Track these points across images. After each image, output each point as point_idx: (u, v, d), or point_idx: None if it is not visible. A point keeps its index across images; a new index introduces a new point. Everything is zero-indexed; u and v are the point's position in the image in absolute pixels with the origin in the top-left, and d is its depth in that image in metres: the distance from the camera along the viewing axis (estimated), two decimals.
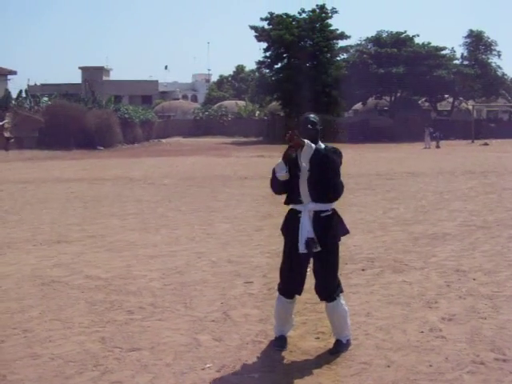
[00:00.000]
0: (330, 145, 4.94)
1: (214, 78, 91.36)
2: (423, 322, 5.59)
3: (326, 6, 52.38)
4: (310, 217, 4.77)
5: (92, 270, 7.59)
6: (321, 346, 5.01)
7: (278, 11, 53.44)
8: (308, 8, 53.17)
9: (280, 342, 5.02)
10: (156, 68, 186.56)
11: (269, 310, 5.94)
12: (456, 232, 10.04)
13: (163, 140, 51.42)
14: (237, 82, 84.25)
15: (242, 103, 66.72)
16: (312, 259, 4.86)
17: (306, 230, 4.73)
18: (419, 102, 59.10)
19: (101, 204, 13.80)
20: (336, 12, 52.62)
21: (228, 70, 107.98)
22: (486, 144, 43.60)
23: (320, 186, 4.75)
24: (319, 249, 4.72)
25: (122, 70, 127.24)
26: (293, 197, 4.87)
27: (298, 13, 53.28)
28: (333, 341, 4.98)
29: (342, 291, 4.94)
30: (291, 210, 4.95)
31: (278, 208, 12.86)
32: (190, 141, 52.02)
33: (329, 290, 4.83)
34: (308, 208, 4.78)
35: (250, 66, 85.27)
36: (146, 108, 55.03)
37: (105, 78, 68.17)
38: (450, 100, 59.53)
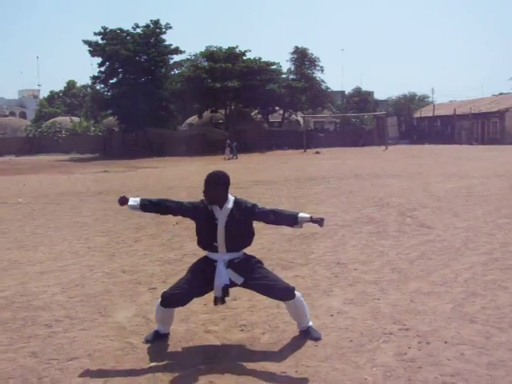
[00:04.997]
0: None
1: (44, 94, 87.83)
2: (328, 307, 6.25)
3: (160, 21, 52.92)
4: (225, 264, 5.19)
5: None
6: (249, 337, 5.43)
7: (112, 26, 52.98)
8: (142, 23, 53.36)
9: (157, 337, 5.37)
10: None
11: (185, 311, 6.24)
12: (322, 231, 10.89)
13: None
14: (68, 97, 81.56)
15: (76, 119, 64.79)
16: (250, 287, 5.29)
17: (223, 278, 5.14)
18: (252, 114, 61.38)
19: None
20: (170, 27, 53.35)
21: (59, 86, 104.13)
22: (318, 152, 46.55)
23: (236, 238, 5.20)
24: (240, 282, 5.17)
25: None
26: (208, 243, 5.26)
27: (132, 28, 53.23)
28: (259, 332, 5.44)
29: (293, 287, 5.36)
30: (206, 257, 5.34)
31: (147, 219, 13.09)
32: (24, 159, 49.47)
33: (284, 291, 5.22)
34: (223, 258, 5.20)
35: (82, 81, 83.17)
36: None
37: None
38: (281, 112, 62.67)
